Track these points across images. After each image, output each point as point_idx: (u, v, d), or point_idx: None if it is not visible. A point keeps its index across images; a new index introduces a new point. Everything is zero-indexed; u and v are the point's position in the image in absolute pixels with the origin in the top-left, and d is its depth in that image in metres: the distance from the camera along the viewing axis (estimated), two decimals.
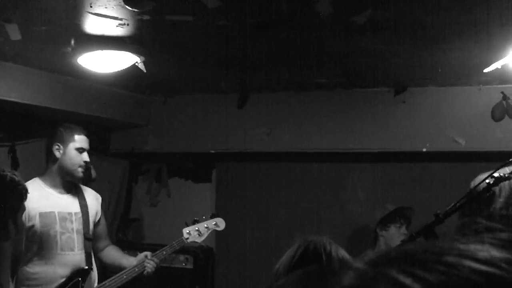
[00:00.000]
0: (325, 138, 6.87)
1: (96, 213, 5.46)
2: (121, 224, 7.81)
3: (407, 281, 0.70)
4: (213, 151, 7.45)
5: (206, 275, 7.45)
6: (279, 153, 7.18)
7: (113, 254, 5.58)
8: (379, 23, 4.12)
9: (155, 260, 5.36)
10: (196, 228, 5.65)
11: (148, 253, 5.41)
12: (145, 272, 5.32)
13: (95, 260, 5.39)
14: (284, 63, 5.49)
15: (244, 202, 7.60)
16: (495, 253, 0.74)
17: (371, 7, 3.81)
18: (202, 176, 7.90)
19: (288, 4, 3.78)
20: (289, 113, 6.98)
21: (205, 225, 5.71)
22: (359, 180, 7.13)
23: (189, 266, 7.22)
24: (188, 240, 5.61)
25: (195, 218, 5.75)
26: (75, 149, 5.18)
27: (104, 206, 5.84)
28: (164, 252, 5.46)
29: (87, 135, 5.31)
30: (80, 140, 5.23)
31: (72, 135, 5.21)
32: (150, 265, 5.32)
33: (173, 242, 5.52)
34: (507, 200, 3.86)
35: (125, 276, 5.23)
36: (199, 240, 5.69)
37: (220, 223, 5.82)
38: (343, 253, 2.58)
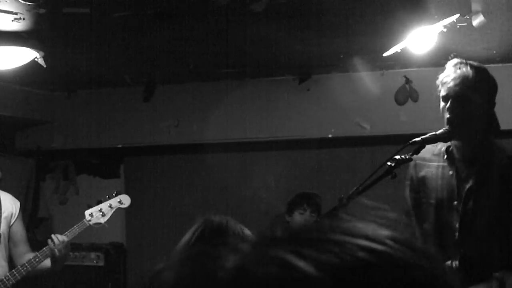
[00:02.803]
0: (233, 128, 6.87)
1: (12, 215, 5.19)
2: (30, 223, 7.64)
3: (294, 260, 0.68)
4: (120, 146, 7.37)
5: (118, 271, 7.37)
6: (188, 145, 7.15)
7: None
8: (277, 10, 4.13)
9: (60, 237, 5.01)
10: (99, 209, 5.36)
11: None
12: (56, 254, 4.95)
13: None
14: (187, 53, 5.45)
15: (154, 196, 7.53)
16: (381, 231, 0.74)
17: None
18: (110, 172, 7.79)
19: None
20: (196, 104, 6.95)
21: (109, 204, 5.42)
22: (268, 168, 7.15)
23: (101, 263, 7.13)
24: (91, 222, 5.29)
25: (99, 199, 5.46)
26: None
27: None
28: (66, 238, 5.06)
29: None
30: None
31: None
32: (55, 239, 4.98)
33: (74, 226, 5.21)
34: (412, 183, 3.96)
35: (27, 266, 4.96)
36: (102, 220, 5.36)
37: (124, 200, 5.53)
38: (246, 232, 2.53)
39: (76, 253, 7.05)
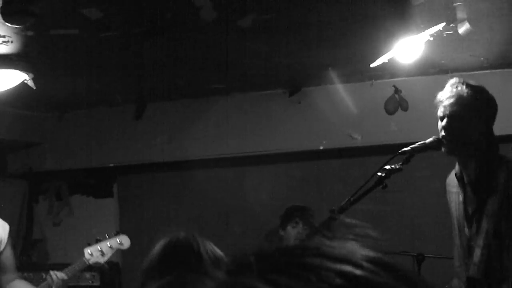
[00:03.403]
0: (225, 143, 6.87)
1: (1, 242, 4.97)
2: (24, 245, 7.63)
3: None
4: (112, 165, 7.36)
5: None
6: (180, 161, 7.13)
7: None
8: (264, 25, 4.15)
9: (59, 274, 4.99)
10: (99, 248, 5.30)
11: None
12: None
13: None
14: (177, 70, 5.46)
15: (148, 214, 7.51)
16: (360, 252, 0.72)
17: (254, 10, 3.84)
18: (103, 191, 7.76)
19: (173, 11, 3.77)
20: (187, 121, 6.95)
21: (109, 244, 5.36)
22: (262, 182, 7.14)
23: (96, 283, 7.08)
24: (90, 261, 5.25)
25: (98, 237, 5.39)
26: None
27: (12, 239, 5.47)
28: (65, 276, 5.07)
29: None
30: None
31: None
32: (54, 276, 4.97)
33: (74, 264, 5.21)
34: None
35: None
36: (102, 260, 5.33)
37: (124, 241, 5.48)
38: (212, 249, 2.47)
39: None
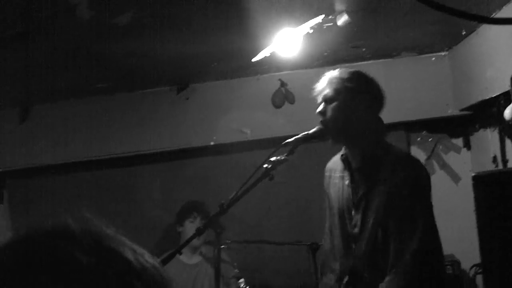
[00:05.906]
0: (114, 142, 6.78)
1: None
2: None
3: None
4: (1, 170, 7.16)
5: None
6: (69, 163, 6.99)
7: None
8: (143, 22, 4.11)
9: None
10: None
11: None
12: None
13: None
14: (58, 71, 5.33)
15: (41, 218, 7.30)
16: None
17: (132, 8, 3.79)
18: None
19: (47, 10, 3.68)
20: (74, 122, 6.81)
21: None
22: (153, 181, 7.09)
23: None
24: None
25: None
26: None
27: None
28: None
29: None
30: None
31: None
32: None
33: None
34: None
35: None
36: None
37: None
38: None
39: None
